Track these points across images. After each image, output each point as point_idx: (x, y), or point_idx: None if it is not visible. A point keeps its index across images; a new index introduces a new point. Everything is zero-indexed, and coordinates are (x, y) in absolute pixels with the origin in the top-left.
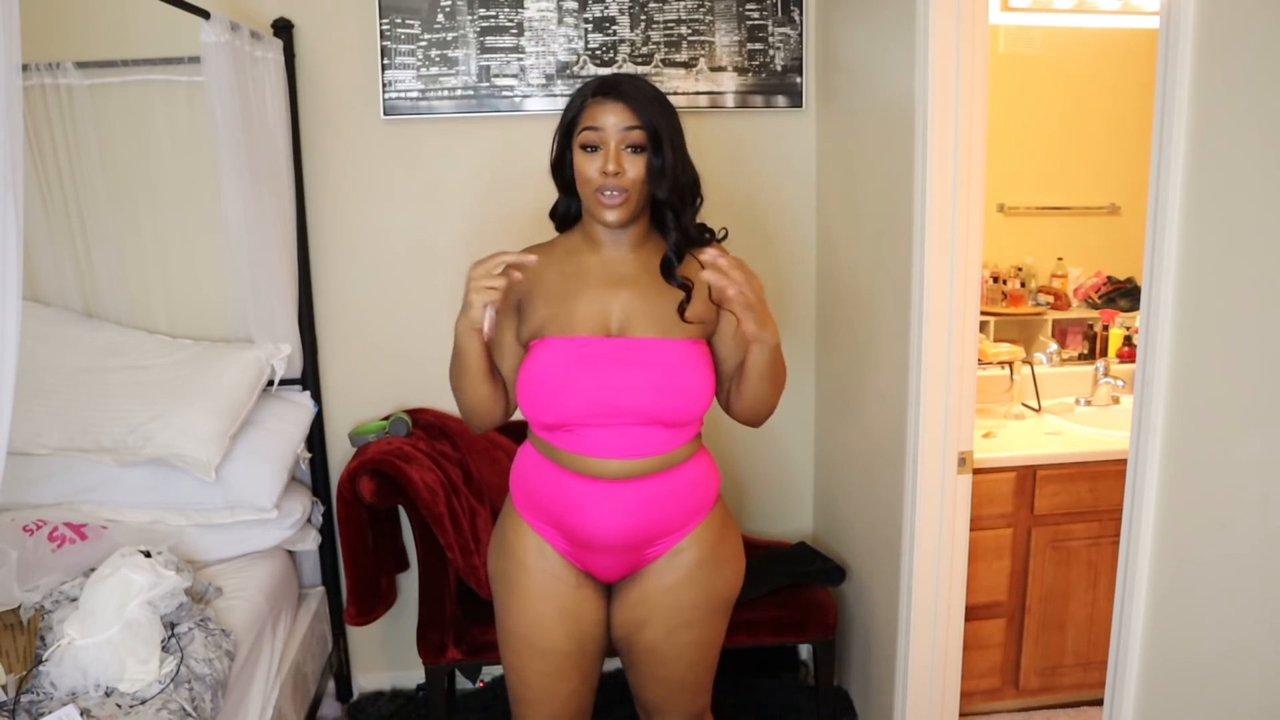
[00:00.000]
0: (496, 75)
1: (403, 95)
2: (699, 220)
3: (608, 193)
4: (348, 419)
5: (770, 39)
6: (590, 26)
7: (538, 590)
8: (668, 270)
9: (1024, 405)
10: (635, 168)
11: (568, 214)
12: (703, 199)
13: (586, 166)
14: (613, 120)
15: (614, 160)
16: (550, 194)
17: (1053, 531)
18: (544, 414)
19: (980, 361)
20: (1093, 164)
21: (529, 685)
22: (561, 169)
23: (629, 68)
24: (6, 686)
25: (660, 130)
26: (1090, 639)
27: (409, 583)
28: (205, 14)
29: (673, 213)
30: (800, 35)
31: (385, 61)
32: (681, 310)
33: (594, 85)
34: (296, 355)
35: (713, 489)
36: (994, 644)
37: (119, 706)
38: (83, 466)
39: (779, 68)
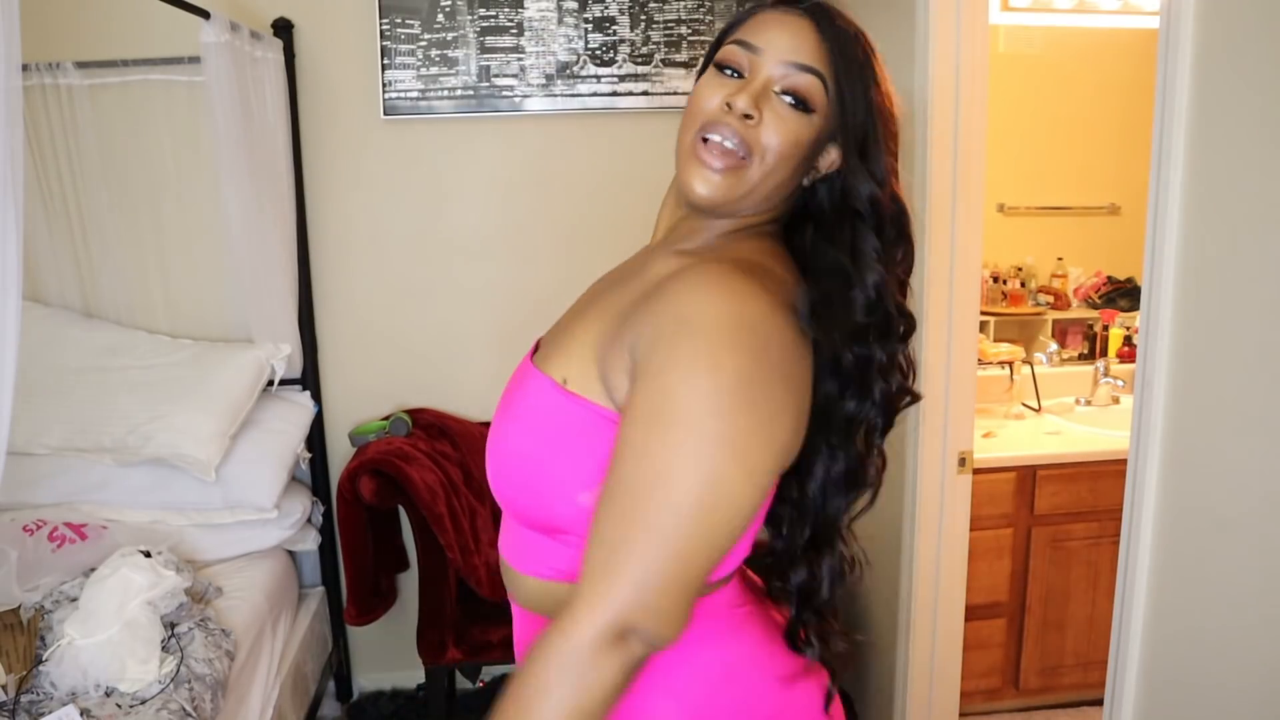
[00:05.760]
0: (496, 75)
1: (403, 95)
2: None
3: (716, 136)
4: (348, 419)
5: None
6: (590, 26)
7: None
8: None
9: (1024, 405)
10: (783, 130)
11: None
12: (908, 247)
13: (708, 91)
14: (785, 44)
15: (752, 96)
16: (549, 195)
17: (1053, 531)
18: None
19: (980, 361)
20: (1093, 164)
21: None
22: None
23: (629, 68)
24: (6, 686)
25: (857, 102)
26: (1090, 639)
27: (409, 583)
28: (205, 14)
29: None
30: None
31: (385, 61)
32: None
33: None
34: (296, 355)
35: None
36: (994, 644)
37: (119, 706)
38: (83, 466)
39: None
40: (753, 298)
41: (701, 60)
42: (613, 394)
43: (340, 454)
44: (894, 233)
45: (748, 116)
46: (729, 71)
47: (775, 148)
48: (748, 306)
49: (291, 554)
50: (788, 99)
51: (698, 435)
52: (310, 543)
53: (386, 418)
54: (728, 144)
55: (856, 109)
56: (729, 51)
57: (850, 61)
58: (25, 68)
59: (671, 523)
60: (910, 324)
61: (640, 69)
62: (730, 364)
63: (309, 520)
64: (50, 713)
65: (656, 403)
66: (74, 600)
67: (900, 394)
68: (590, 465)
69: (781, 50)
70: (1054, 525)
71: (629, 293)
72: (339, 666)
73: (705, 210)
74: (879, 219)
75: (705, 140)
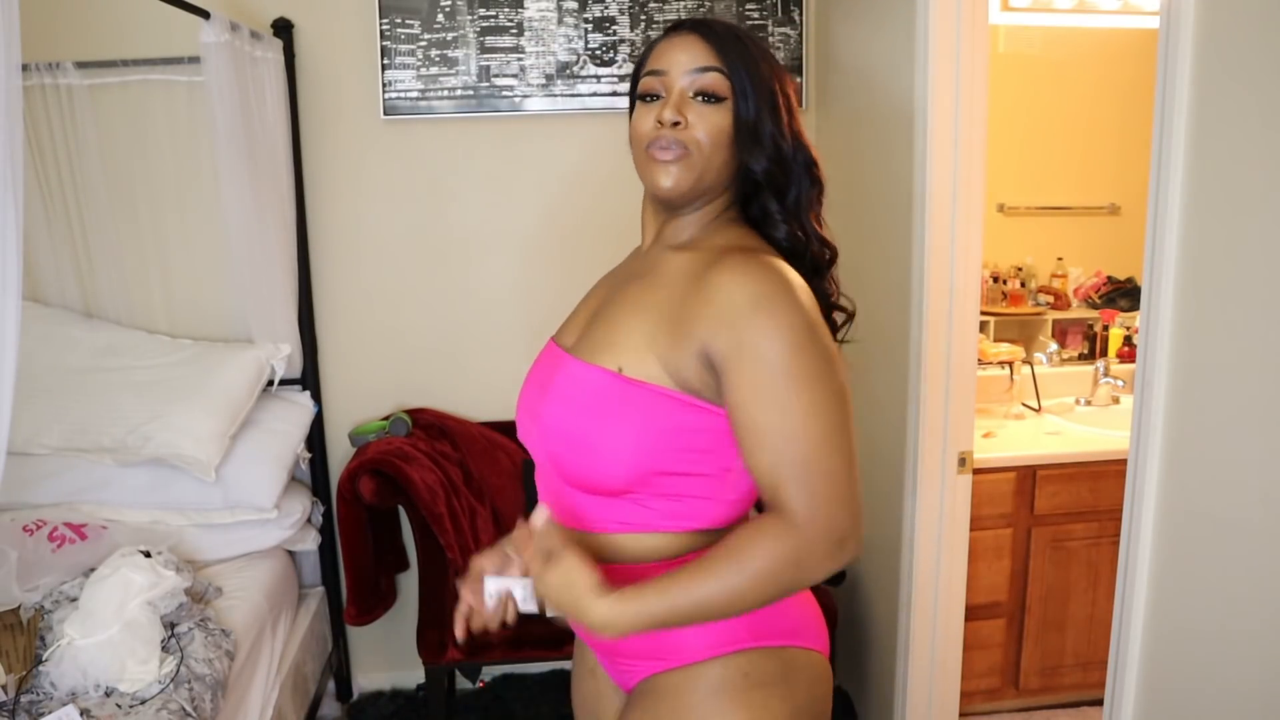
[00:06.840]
0: (496, 75)
1: (403, 95)
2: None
3: (660, 145)
4: (348, 419)
5: (770, 39)
6: (590, 26)
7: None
8: None
9: (1024, 405)
10: (706, 123)
11: None
12: (823, 188)
13: (641, 119)
14: (683, 59)
15: (674, 107)
16: (549, 195)
17: (1053, 531)
18: None
19: (980, 361)
20: (1093, 164)
21: None
22: None
23: (629, 68)
24: (6, 686)
25: (751, 81)
26: (1090, 639)
27: (409, 583)
28: (205, 14)
29: (775, 192)
30: (800, 35)
31: (385, 61)
32: None
33: (669, 27)
34: (296, 355)
35: (695, 640)
36: (994, 644)
37: (119, 706)
38: (83, 466)
39: None
40: (774, 268)
41: (628, 99)
42: (677, 375)
43: (340, 454)
44: (808, 158)
45: (676, 123)
46: (649, 98)
47: (706, 137)
48: (775, 275)
49: (291, 554)
50: (701, 98)
51: (801, 375)
52: (310, 543)
53: (386, 418)
54: (670, 148)
55: (764, 85)
56: (645, 83)
57: (737, 50)
58: (25, 68)
59: (834, 443)
60: (833, 252)
61: None
62: (789, 319)
63: (309, 520)
64: (50, 713)
65: (765, 370)
66: (74, 600)
67: (835, 310)
68: (650, 435)
69: (682, 64)
70: (1054, 525)
71: (662, 291)
72: (339, 666)
73: (673, 199)
74: (806, 160)
75: (651, 150)
